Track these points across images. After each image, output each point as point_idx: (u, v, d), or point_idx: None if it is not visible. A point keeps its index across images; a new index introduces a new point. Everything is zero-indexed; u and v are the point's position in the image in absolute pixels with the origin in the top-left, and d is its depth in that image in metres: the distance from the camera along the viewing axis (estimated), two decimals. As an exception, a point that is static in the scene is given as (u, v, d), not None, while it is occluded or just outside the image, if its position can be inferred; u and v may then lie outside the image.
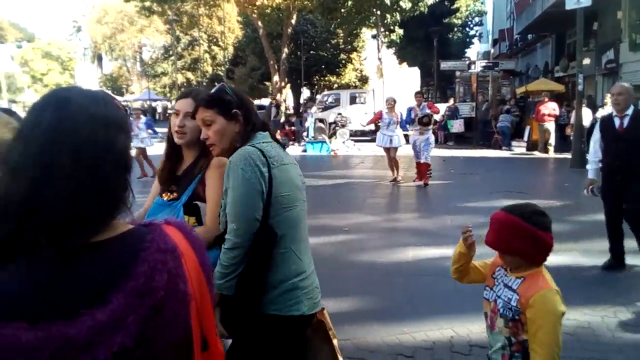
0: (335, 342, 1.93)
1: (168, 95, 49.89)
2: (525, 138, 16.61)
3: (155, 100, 47.11)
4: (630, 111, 4.83)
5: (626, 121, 4.81)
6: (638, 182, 4.69)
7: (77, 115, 0.83)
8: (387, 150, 10.43)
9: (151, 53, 52.80)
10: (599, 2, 14.98)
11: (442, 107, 19.53)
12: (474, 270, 2.01)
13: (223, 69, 41.15)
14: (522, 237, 1.75)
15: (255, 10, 22.27)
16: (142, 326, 0.79)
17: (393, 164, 10.45)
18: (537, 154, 15.17)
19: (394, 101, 10.37)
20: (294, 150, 18.14)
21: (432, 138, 10.19)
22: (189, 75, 45.38)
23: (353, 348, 3.51)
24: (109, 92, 50.49)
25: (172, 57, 38.47)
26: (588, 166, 5.22)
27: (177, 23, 28.53)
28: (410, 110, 10.24)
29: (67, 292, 0.78)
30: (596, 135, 5.09)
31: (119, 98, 47.73)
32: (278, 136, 14.25)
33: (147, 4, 23.13)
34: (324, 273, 5.16)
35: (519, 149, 16.65)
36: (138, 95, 45.60)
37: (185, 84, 45.65)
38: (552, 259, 5.99)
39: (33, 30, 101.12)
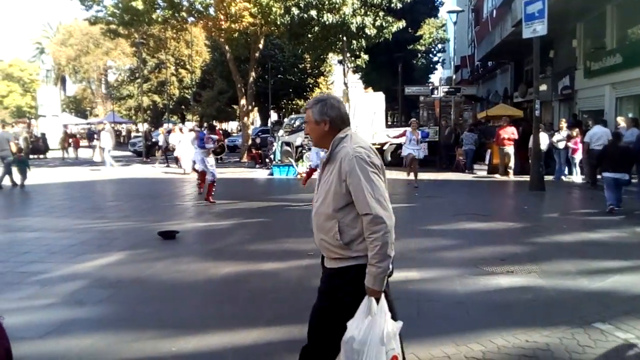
0: None
1: (133, 118, 49.13)
2: (487, 161, 16.99)
3: (120, 122, 46.40)
4: None
5: None
6: None
7: None
8: (411, 160, 13.57)
9: (117, 75, 52.21)
10: (555, 31, 15.67)
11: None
12: None
13: (190, 91, 40.95)
14: None
15: (223, 35, 22.32)
16: None
17: (414, 171, 13.58)
18: (497, 177, 15.53)
19: (418, 123, 14.27)
20: (261, 173, 18.09)
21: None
22: (156, 97, 45.01)
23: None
24: (72, 114, 49.47)
25: (139, 80, 38.09)
26: None
27: (144, 46, 28.34)
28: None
29: None
30: None
31: (81, 120, 46.85)
32: (245, 159, 14.26)
33: (113, 27, 22.86)
34: (288, 297, 5.09)
35: (480, 172, 17.02)
36: (102, 118, 44.85)
37: (151, 107, 45.20)
38: (512, 281, 5.89)
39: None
